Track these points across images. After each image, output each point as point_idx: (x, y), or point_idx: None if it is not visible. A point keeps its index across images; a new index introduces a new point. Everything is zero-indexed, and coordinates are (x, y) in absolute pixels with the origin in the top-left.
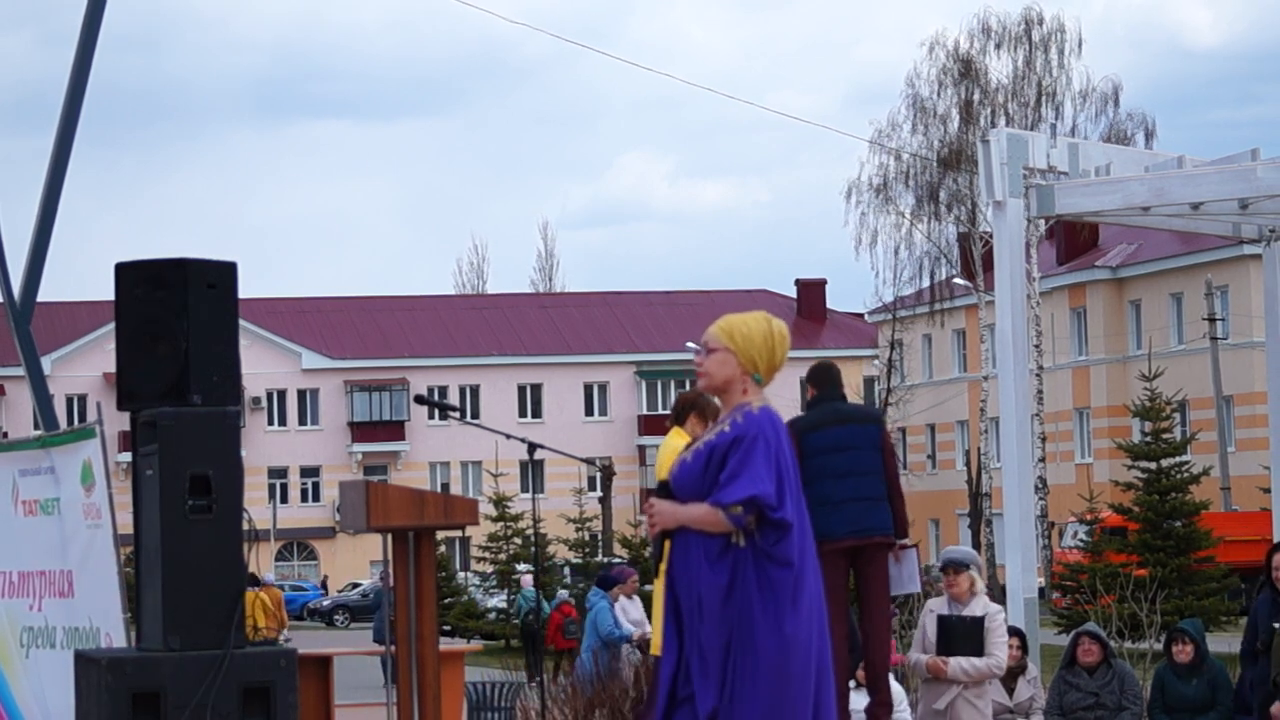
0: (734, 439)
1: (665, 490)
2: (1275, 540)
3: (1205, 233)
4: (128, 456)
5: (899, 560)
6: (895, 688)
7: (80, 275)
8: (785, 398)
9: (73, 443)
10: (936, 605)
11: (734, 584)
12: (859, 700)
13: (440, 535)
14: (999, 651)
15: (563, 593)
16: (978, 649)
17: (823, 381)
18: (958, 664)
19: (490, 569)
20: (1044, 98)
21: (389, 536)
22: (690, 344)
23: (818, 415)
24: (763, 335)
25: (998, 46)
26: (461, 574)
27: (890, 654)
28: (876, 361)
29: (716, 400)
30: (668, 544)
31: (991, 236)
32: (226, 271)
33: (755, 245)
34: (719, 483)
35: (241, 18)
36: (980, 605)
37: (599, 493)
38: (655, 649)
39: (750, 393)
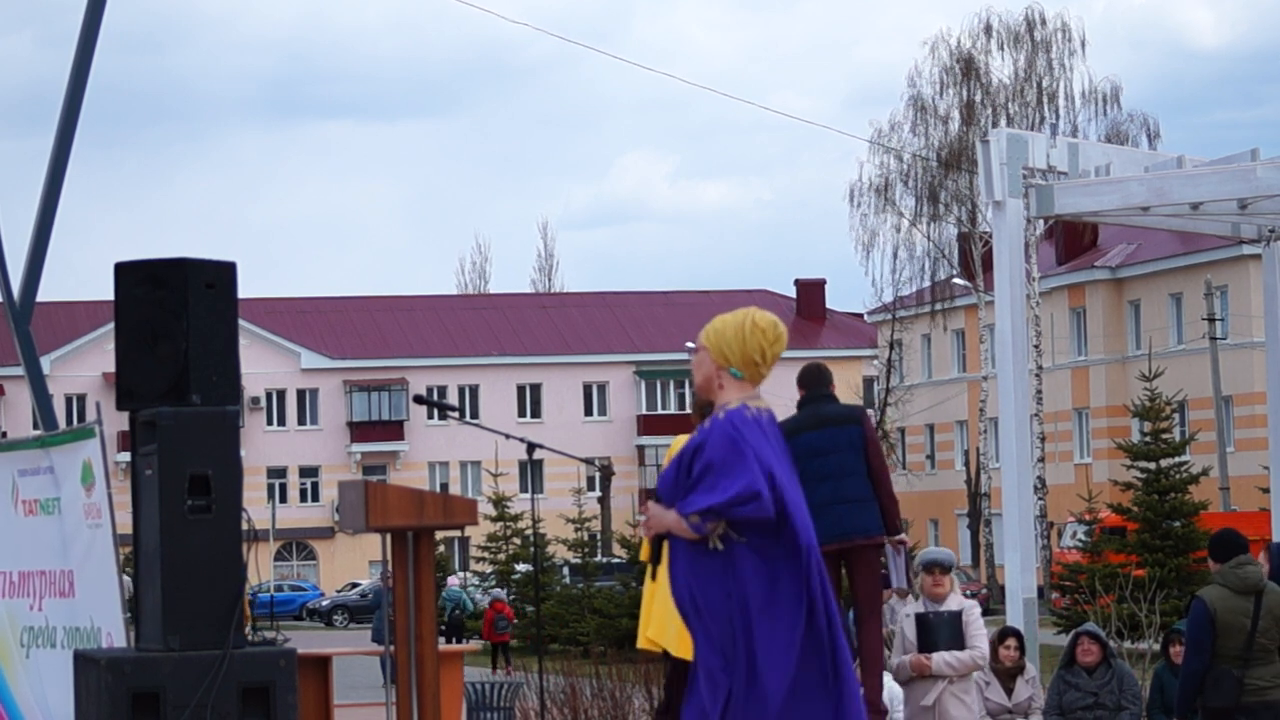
0: (696, 446)
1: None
2: (1275, 540)
3: (1205, 233)
4: (127, 456)
5: (898, 553)
6: (892, 686)
7: (81, 275)
8: (785, 397)
9: (72, 443)
10: (911, 607)
11: (721, 586)
12: None
13: (439, 535)
14: (980, 643)
15: (498, 591)
16: (957, 642)
17: (808, 383)
18: (941, 658)
19: (489, 569)
20: (1045, 98)
21: (388, 537)
22: (690, 344)
23: (796, 421)
24: (735, 327)
25: (1000, 47)
26: (460, 574)
27: (882, 655)
28: (876, 362)
29: None
30: (665, 546)
31: (991, 237)
32: (226, 271)
33: (756, 245)
34: (686, 490)
35: (245, 19)
36: (956, 601)
37: (598, 493)
38: (641, 643)
39: (728, 388)
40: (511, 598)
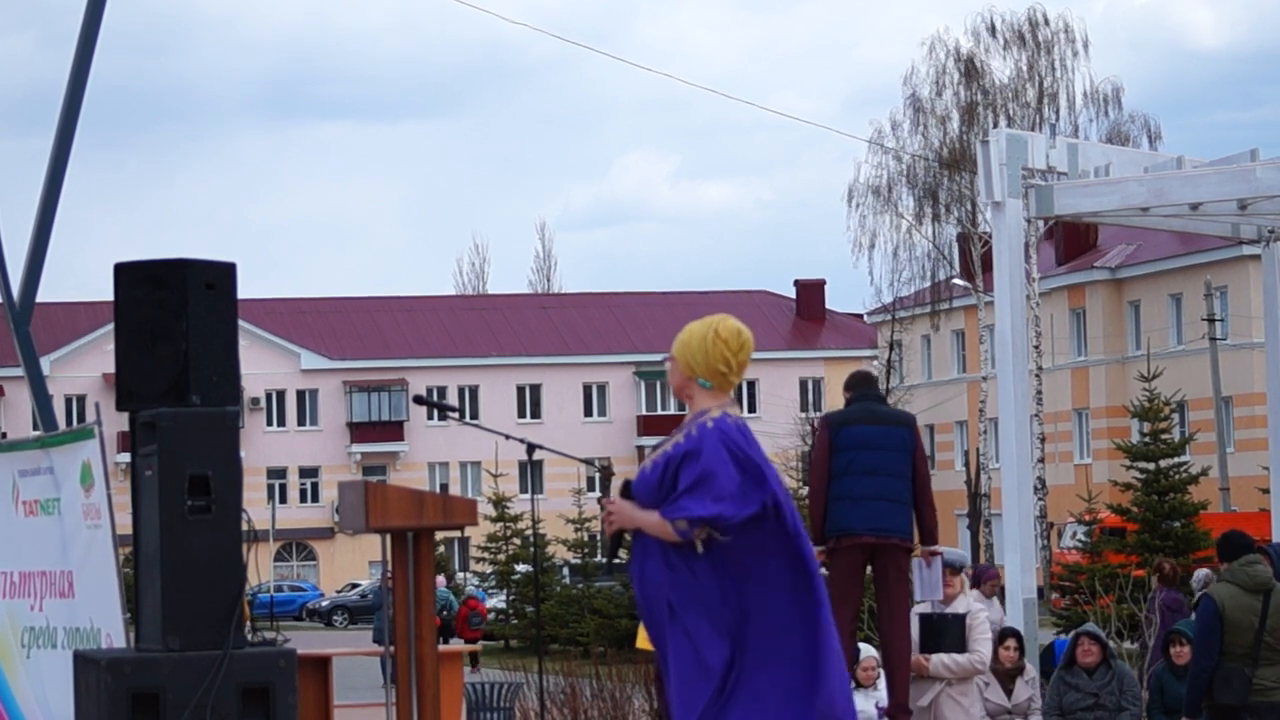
0: (685, 453)
1: (628, 490)
2: (1275, 540)
3: (1204, 233)
4: (127, 457)
5: (929, 565)
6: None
7: (82, 276)
8: (785, 398)
9: (72, 443)
10: (920, 605)
11: (718, 586)
12: (859, 701)
13: (439, 536)
14: (981, 647)
15: (471, 589)
16: (960, 645)
17: (857, 385)
18: (939, 660)
19: (489, 569)
20: (1045, 99)
21: (388, 537)
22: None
23: (851, 412)
24: (700, 339)
25: (1005, 47)
26: (460, 574)
27: (909, 655)
28: (876, 362)
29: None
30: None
31: (991, 237)
32: (225, 272)
33: (756, 246)
34: (672, 496)
35: (247, 20)
36: (963, 604)
37: (598, 493)
38: (641, 643)
39: (700, 398)
40: (511, 598)
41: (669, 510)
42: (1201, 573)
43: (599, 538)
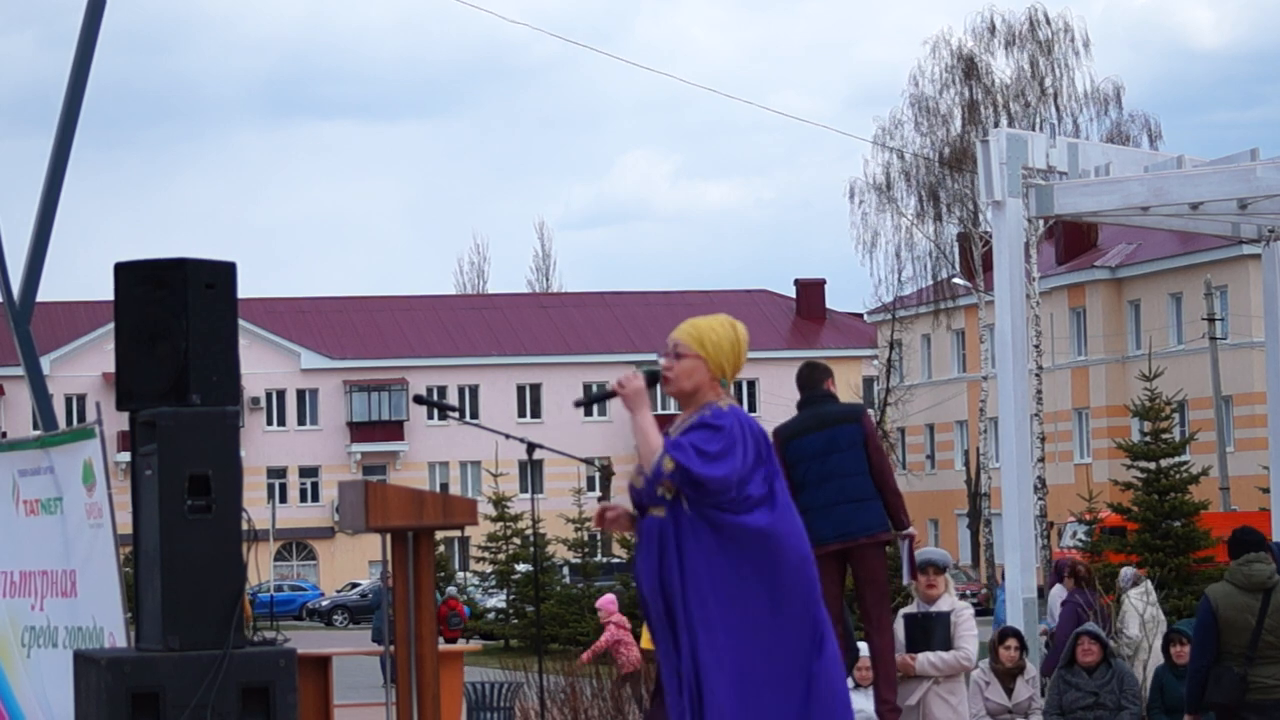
0: (706, 423)
1: (654, 378)
2: (1275, 540)
3: (1204, 233)
4: (127, 456)
5: (904, 546)
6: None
7: (83, 276)
8: (785, 397)
9: (72, 443)
10: (906, 607)
11: (738, 570)
12: (857, 701)
13: (439, 535)
14: (967, 645)
15: (450, 589)
16: (945, 643)
17: (804, 384)
18: (925, 658)
19: (489, 569)
20: (1047, 98)
21: (388, 537)
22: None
23: (798, 422)
24: (730, 342)
25: (1006, 46)
26: (461, 574)
27: (893, 653)
28: (876, 362)
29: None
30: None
31: (991, 236)
32: (225, 271)
33: (756, 245)
34: (680, 438)
35: (246, 19)
36: (948, 602)
37: (598, 492)
38: (645, 643)
39: (708, 393)
40: (511, 597)
41: (671, 444)
42: (1128, 571)
43: (599, 537)
